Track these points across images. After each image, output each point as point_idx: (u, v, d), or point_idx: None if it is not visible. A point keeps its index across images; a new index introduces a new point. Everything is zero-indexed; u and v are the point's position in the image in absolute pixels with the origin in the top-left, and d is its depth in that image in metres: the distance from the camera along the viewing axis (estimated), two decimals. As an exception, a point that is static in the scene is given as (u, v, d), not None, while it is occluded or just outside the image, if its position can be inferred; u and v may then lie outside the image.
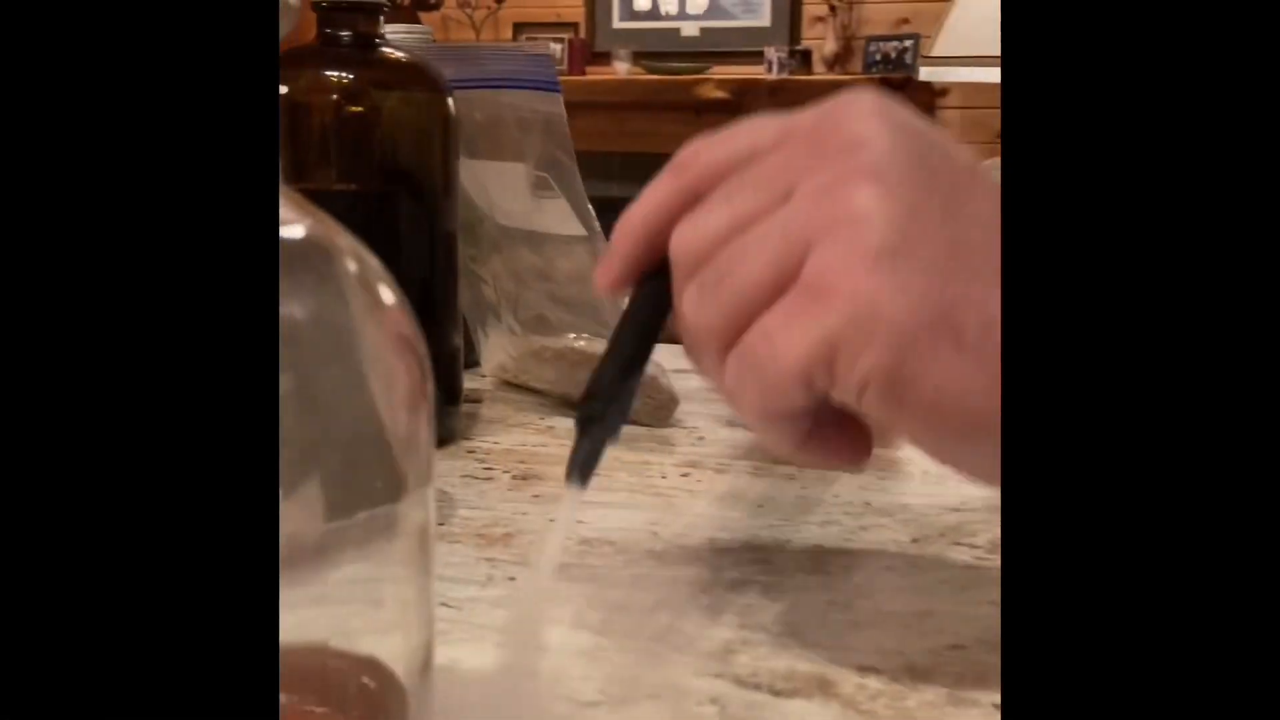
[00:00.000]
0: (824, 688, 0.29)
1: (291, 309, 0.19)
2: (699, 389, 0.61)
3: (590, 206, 0.50)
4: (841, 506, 0.42)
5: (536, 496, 0.43)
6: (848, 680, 0.29)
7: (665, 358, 0.56)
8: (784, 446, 0.29)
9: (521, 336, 0.56)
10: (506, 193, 0.52)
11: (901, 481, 0.44)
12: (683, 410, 0.53)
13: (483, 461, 0.47)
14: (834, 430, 0.29)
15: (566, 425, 0.53)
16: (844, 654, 0.31)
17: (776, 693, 0.29)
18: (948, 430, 0.25)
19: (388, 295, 0.21)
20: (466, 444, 0.49)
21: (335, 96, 0.44)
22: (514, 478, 0.45)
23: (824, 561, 0.37)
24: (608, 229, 0.55)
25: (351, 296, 0.21)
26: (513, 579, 0.35)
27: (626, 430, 0.52)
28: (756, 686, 0.29)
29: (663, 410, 0.52)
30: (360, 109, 0.45)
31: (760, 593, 0.35)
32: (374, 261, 0.21)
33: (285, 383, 0.18)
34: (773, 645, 0.31)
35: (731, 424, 0.53)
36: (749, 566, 0.37)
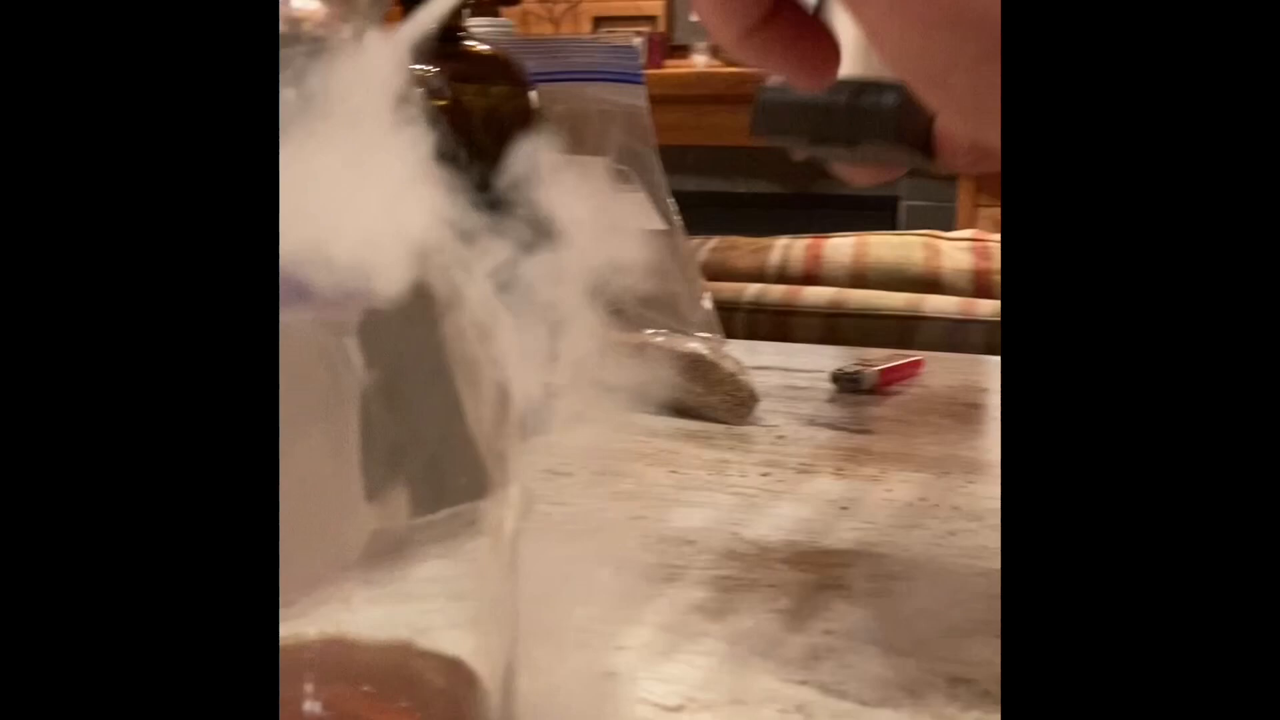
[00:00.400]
0: (914, 698, 0.28)
1: (376, 304, 0.19)
2: (779, 386, 0.60)
3: (670, 200, 0.49)
4: (929, 511, 0.41)
5: (616, 493, 0.43)
6: (938, 691, 0.28)
7: (744, 354, 0.55)
8: (727, 33, 0.25)
9: (599, 331, 0.56)
10: (590, 184, 0.52)
11: (991, 485, 0.43)
12: (762, 408, 0.52)
13: (560, 457, 0.47)
14: (790, 31, 0.25)
15: (644, 422, 0.53)
16: (934, 664, 0.30)
17: (864, 702, 0.28)
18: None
19: (479, 291, 0.21)
20: (545, 439, 0.49)
21: (419, 90, 0.44)
22: (592, 473, 0.45)
23: (912, 567, 0.36)
24: (685, 224, 0.54)
25: (436, 291, 0.20)
26: (592, 577, 0.35)
27: (703, 428, 0.52)
28: (843, 695, 0.28)
29: (742, 408, 0.51)
30: (442, 102, 0.45)
31: (845, 598, 0.34)
32: (464, 256, 0.21)
33: (370, 379, 0.18)
34: (859, 653, 0.30)
35: (813, 422, 0.52)
36: (833, 570, 0.36)
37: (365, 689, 0.22)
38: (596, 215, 0.52)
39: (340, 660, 0.21)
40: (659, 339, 0.53)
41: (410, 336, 0.20)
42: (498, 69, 0.46)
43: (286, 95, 0.18)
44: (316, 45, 0.19)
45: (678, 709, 0.27)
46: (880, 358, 0.62)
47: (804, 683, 0.29)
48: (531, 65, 0.47)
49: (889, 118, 0.29)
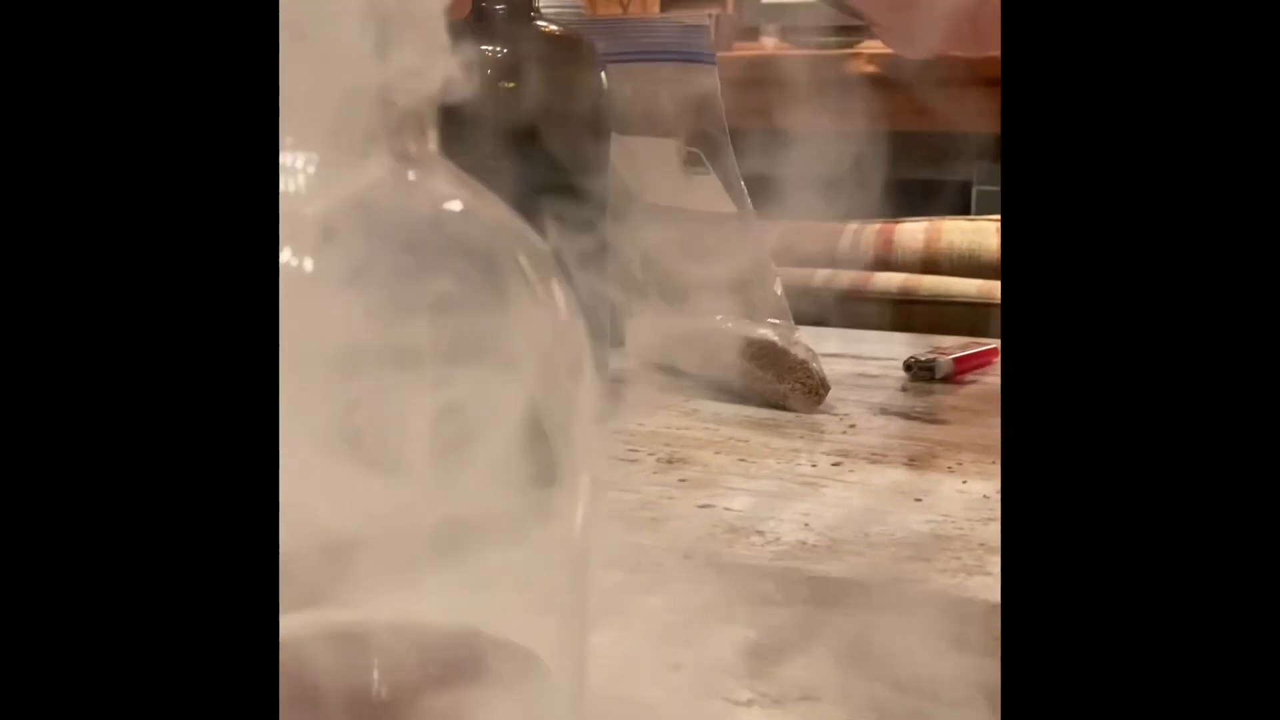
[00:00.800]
0: (993, 698, 0.27)
1: (449, 288, 0.19)
2: (850, 374, 0.59)
3: (743, 183, 0.48)
4: (1006, 503, 0.39)
5: (683, 481, 0.42)
6: (1018, 693, 0.27)
7: (813, 341, 0.54)
8: None
9: (667, 317, 0.55)
10: (657, 169, 0.51)
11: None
12: (834, 396, 0.51)
13: (628, 443, 0.47)
14: None
15: (712, 409, 0.52)
16: (1014, 664, 0.29)
17: (942, 701, 0.27)
18: None
19: (549, 276, 0.20)
20: (612, 425, 0.49)
21: (489, 71, 0.44)
22: (659, 460, 0.45)
23: (986, 562, 0.35)
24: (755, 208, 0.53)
25: (512, 276, 0.20)
26: (659, 564, 0.35)
27: (773, 416, 0.51)
28: (919, 693, 0.27)
29: (813, 396, 0.50)
30: (511, 85, 0.44)
31: (921, 593, 0.33)
32: (536, 240, 0.20)
33: (441, 363, 0.18)
34: (936, 650, 0.29)
35: (885, 411, 0.51)
36: (907, 564, 0.35)
37: (433, 674, 0.22)
38: (666, 198, 0.51)
39: (409, 646, 0.21)
40: (729, 325, 0.52)
41: (480, 319, 0.19)
42: (568, 50, 0.45)
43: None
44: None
45: (748, 704, 0.27)
46: (954, 345, 0.60)
47: (878, 679, 0.28)
48: (601, 46, 0.46)
49: None
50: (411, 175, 0.19)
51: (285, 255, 0.18)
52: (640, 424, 0.49)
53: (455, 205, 0.20)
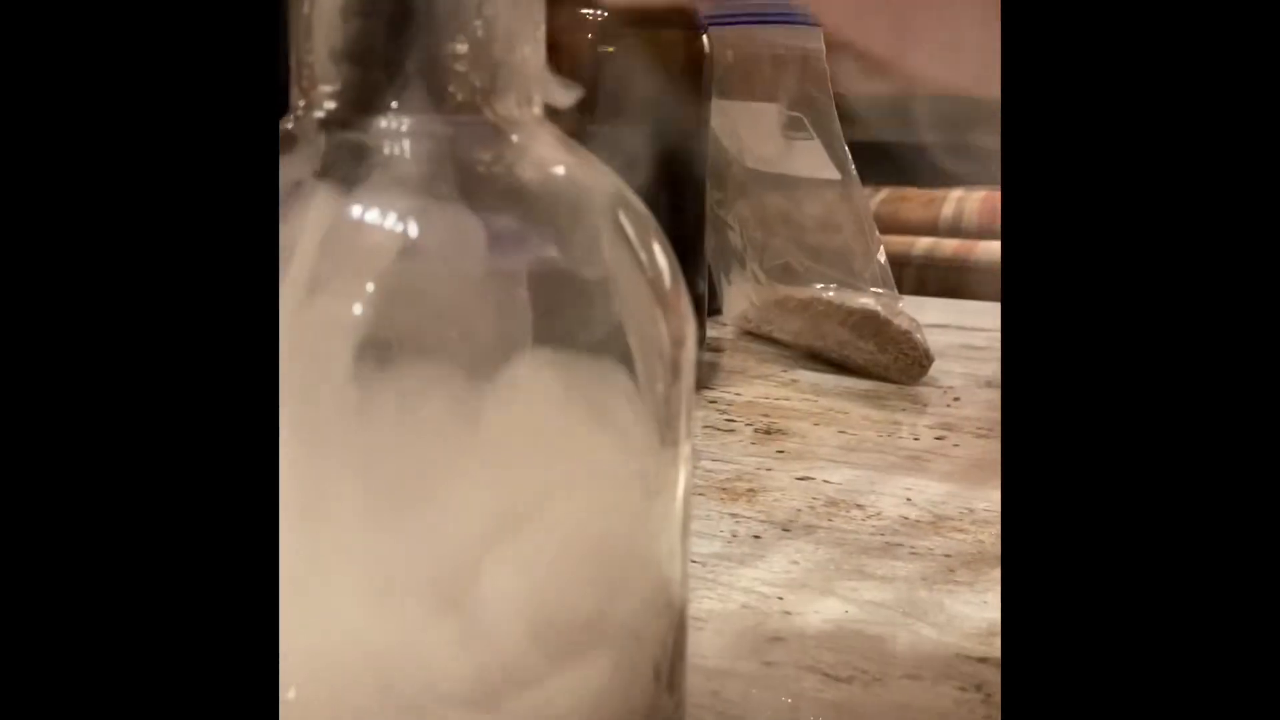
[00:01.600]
0: (1106, 686, 0.26)
1: (549, 255, 0.18)
2: (954, 345, 0.57)
3: (846, 149, 0.47)
4: (1121, 482, 0.38)
5: (781, 452, 0.42)
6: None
7: (916, 311, 0.53)
8: None
9: (766, 285, 0.54)
10: (757, 134, 0.50)
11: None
12: (937, 368, 0.50)
13: (724, 413, 0.46)
14: None
15: (812, 379, 0.51)
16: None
17: (1050, 687, 0.26)
18: None
19: (652, 245, 0.20)
20: (708, 394, 0.48)
21: (589, 35, 0.43)
22: (756, 431, 0.44)
23: (1101, 543, 0.33)
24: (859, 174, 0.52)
25: (614, 244, 0.19)
26: (757, 536, 0.34)
27: (874, 387, 0.50)
28: (1027, 677, 0.26)
29: (915, 367, 0.49)
30: (613, 48, 0.44)
31: (1029, 573, 0.32)
32: (640, 208, 0.20)
33: (537, 333, 0.18)
34: (1045, 633, 0.28)
35: (991, 384, 0.49)
36: (1015, 542, 0.34)
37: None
38: (767, 164, 0.50)
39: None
40: (829, 294, 0.51)
41: (579, 288, 0.19)
42: (669, 12, 0.44)
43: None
44: None
45: (848, 680, 0.26)
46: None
47: (984, 660, 0.27)
48: (704, 7, 0.45)
49: None
50: (515, 138, 0.19)
51: (389, 221, 0.18)
52: (737, 394, 0.49)
53: (558, 169, 0.19)
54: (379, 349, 0.17)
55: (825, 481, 0.39)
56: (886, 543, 0.34)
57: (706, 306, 0.51)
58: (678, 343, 0.20)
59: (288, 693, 0.16)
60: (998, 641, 0.28)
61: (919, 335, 0.49)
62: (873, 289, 0.50)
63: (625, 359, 0.20)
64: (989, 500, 0.37)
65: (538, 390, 0.18)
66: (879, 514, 0.36)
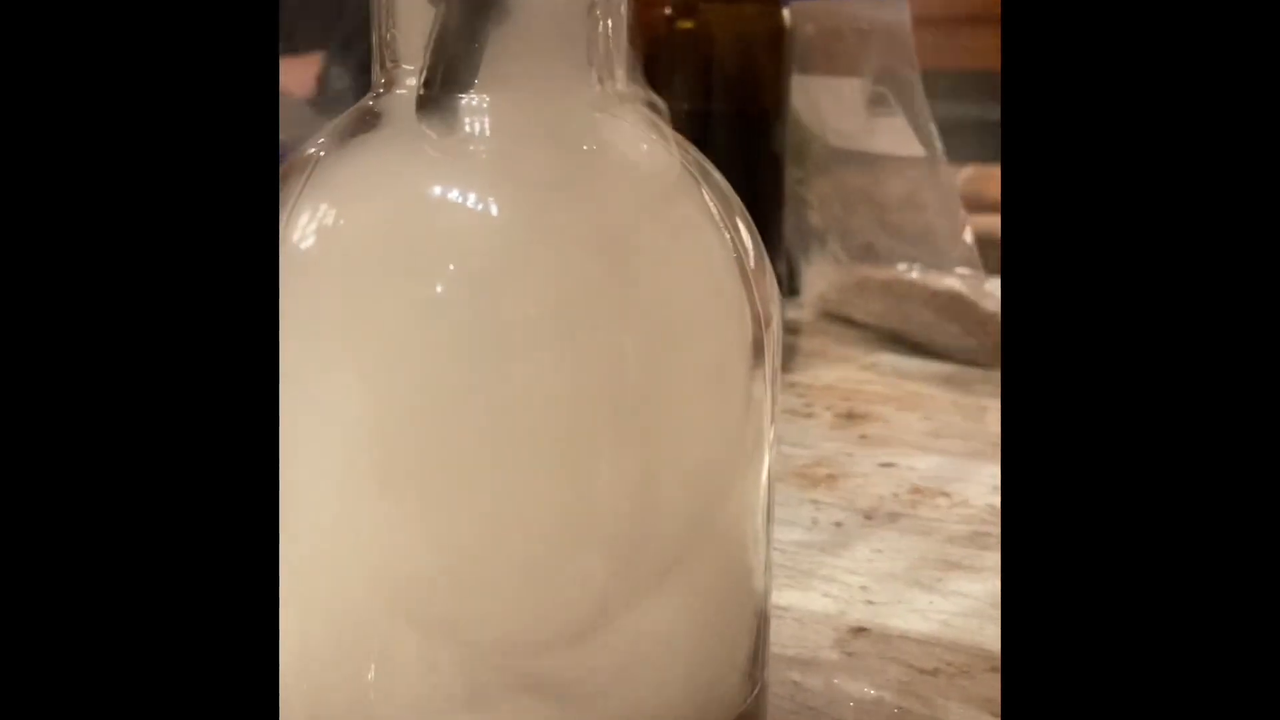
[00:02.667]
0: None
1: (633, 235, 0.18)
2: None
3: (932, 125, 0.46)
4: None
5: (863, 438, 0.41)
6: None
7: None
8: None
9: (846, 265, 0.53)
10: (840, 110, 0.49)
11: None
12: (1025, 351, 0.48)
13: (803, 397, 0.45)
14: None
15: (892, 362, 0.50)
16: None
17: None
18: None
19: (737, 223, 0.19)
20: (786, 378, 0.48)
21: (667, 11, 0.42)
22: (836, 415, 0.43)
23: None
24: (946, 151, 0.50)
25: (697, 224, 0.19)
26: (839, 524, 0.33)
27: (960, 371, 0.49)
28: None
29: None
30: (691, 24, 0.43)
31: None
32: (724, 185, 0.19)
33: (618, 310, 0.17)
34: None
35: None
36: (1110, 534, 0.32)
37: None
38: (849, 141, 0.49)
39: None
40: (913, 274, 0.50)
41: (662, 267, 0.19)
42: (750, -14, 0.43)
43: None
44: None
45: (933, 672, 0.26)
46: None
47: (1077, 657, 0.26)
48: (785, -19, 0.44)
49: None
50: (598, 115, 0.19)
51: (470, 197, 0.17)
52: (815, 376, 0.48)
53: (642, 145, 0.19)
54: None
55: (909, 468, 0.38)
56: (974, 532, 0.33)
57: (785, 287, 0.50)
58: (762, 323, 0.20)
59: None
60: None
61: (1006, 318, 0.47)
62: (959, 269, 0.49)
63: (706, 341, 0.19)
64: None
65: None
66: (965, 502, 0.35)
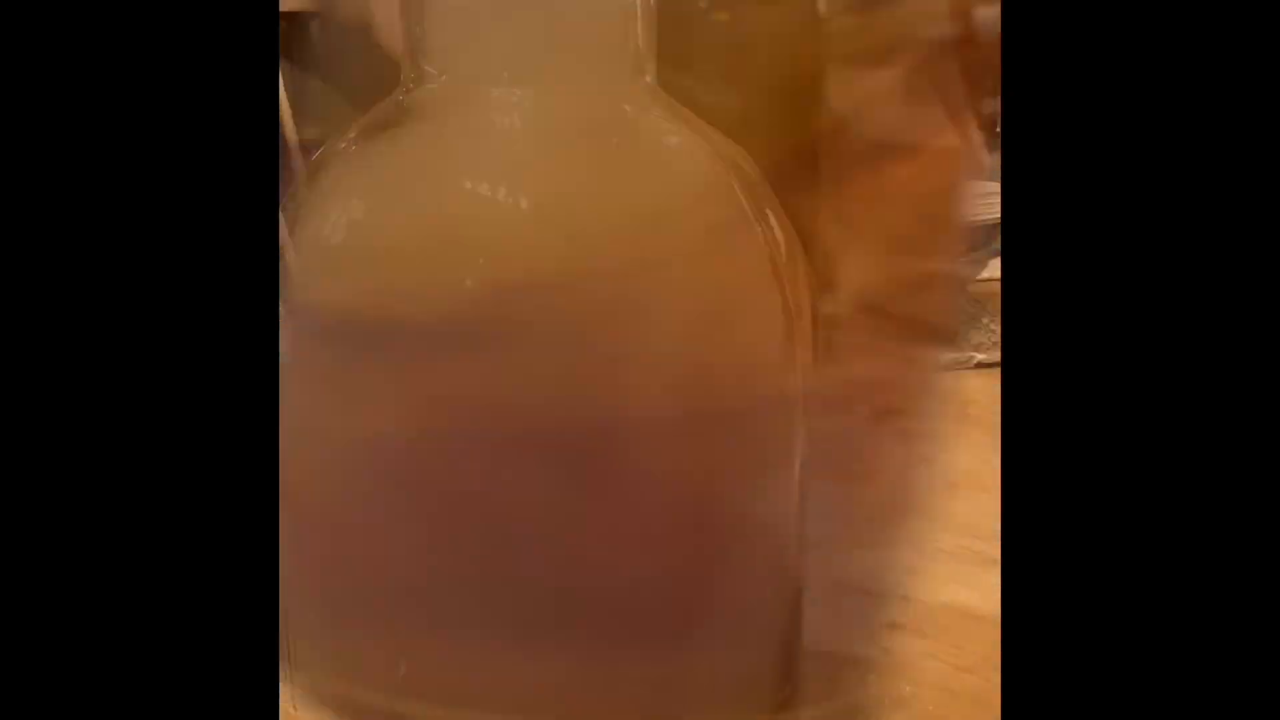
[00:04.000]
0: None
1: (665, 228, 0.18)
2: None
3: (972, 115, 0.45)
4: None
5: (903, 434, 0.40)
6: None
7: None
8: None
9: (885, 257, 0.53)
10: (876, 99, 0.49)
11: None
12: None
13: (841, 391, 0.45)
14: None
15: (934, 357, 0.49)
16: None
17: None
18: None
19: (768, 214, 0.19)
20: (822, 370, 0.47)
21: (702, 2, 0.42)
22: (876, 411, 0.43)
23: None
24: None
25: (729, 217, 0.19)
26: (875, 518, 0.33)
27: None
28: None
29: (1044, 343, 0.47)
30: (727, 15, 0.43)
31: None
32: (752, 171, 0.19)
33: (649, 300, 0.17)
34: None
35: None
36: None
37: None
38: (885, 130, 0.49)
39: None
40: (953, 266, 0.50)
41: (693, 260, 0.19)
42: (785, -24, 0.43)
43: None
44: None
45: (970, 670, 0.25)
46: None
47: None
48: (822, -29, 0.44)
49: None
50: (628, 108, 0.19)
51: (501, 192, 0.17)
52: (853, 370, 0.48)
53: (674, 138, 0.19)
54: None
55: (950, 466, 0.37)
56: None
57: (819, 279, 0.50)
58: (795, 313, 0.20)
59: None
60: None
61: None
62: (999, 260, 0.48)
63: (738, 335, 0.19)
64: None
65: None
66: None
